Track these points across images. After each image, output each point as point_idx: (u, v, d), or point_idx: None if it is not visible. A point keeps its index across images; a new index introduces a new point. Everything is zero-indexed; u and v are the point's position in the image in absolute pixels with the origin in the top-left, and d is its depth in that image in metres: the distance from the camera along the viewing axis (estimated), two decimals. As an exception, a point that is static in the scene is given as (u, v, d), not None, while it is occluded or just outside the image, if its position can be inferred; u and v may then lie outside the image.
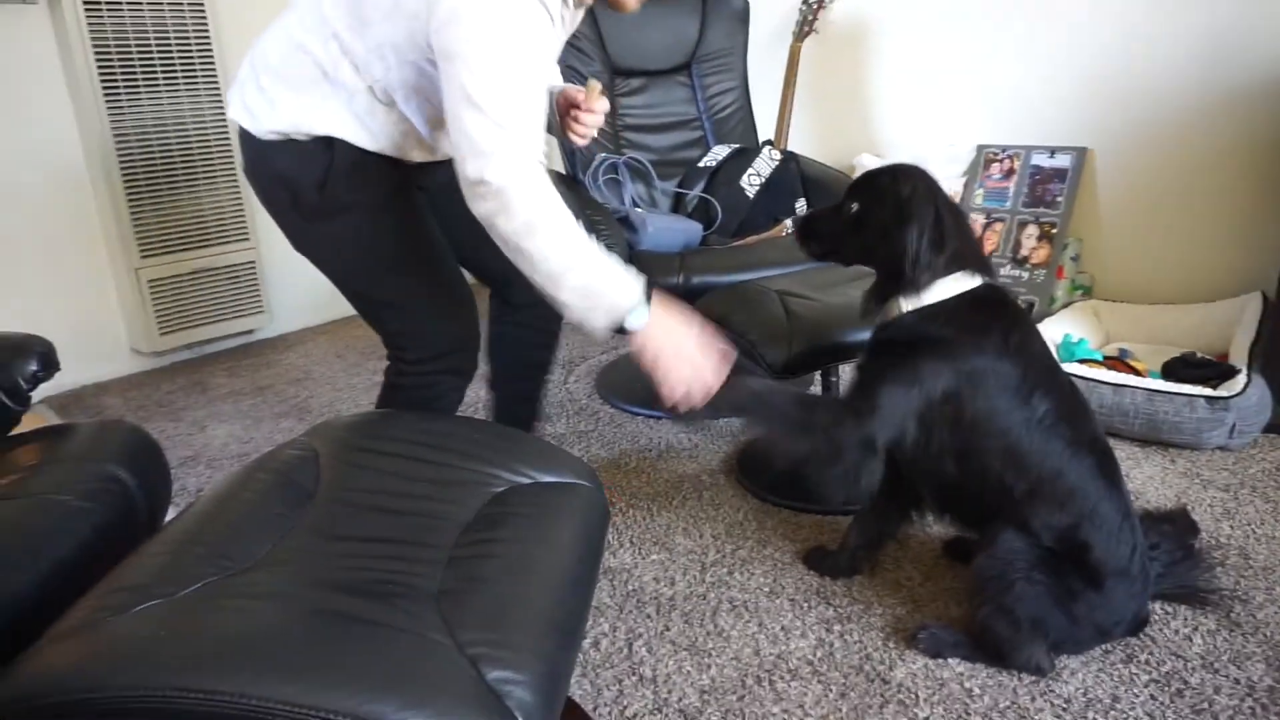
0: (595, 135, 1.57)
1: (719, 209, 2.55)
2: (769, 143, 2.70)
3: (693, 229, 2.46)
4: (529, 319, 1.75)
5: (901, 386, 1.33)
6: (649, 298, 1.28)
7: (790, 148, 2.89)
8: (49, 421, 2.56)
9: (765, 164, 2.60)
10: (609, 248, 2.10)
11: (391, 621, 0.89)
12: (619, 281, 1.27)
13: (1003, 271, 2.71)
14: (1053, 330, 2.40)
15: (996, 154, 2.82)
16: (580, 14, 1.45)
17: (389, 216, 1.48)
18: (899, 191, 1.36)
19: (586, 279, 1.25)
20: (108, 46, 2.63)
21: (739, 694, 1.34)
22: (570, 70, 2.54)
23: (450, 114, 1.23)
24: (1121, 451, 2.02)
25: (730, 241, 2.46)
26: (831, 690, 1.34)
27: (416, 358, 1.53)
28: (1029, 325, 1.37)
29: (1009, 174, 2.78)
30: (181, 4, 2.74)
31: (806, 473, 1.81)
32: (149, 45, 2.71)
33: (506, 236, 1.24)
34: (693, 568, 1.67)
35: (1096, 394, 2.06)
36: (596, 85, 1.48)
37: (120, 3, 2.63)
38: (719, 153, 2.63)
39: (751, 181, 2.57)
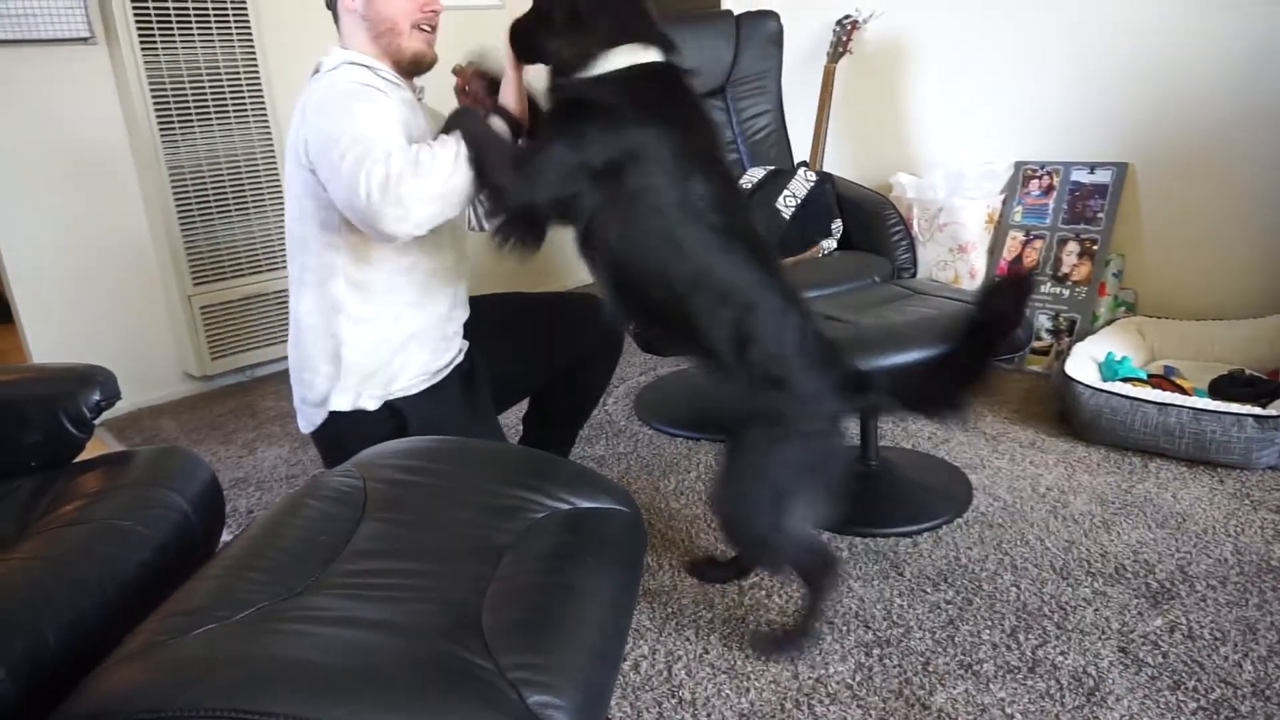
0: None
1: (755, 230, 2.56)
2: (804, 164, 2.72)
3: (729, 251, 2.48)
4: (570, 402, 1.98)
5: (564, 149, 1.31)
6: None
7: (825, 168, 2.90)
8: (108, 443, 2.66)
9: (801, 185, 2.61)
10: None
11: (436, 645, 0.92)
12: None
13: (1043, 289, 2.69)
14: (1096, 348, 2.37)
15: (1035, 170, 2.80)
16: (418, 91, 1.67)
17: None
18: None
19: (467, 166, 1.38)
20: (162, 82, 2.73)
21: (778, 718, 1.35)
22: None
23: (335, 196, 1.41)
24: (1168, 472, 1.99)
25: (766, 263, 2.47)
26: (871, 715, 1.34)
27: None
28: (695, 103, 1.36)
29: (1048, 190, 2.76)
30: (232, 40, 2.84)
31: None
32: (201, 80, 2.81)
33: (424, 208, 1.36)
34: (731, 590, 1.68)
35: (1141, 413, 2.04)
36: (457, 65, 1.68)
37: (174, 40, 2.74)
38: (755, 175, 2.65)
39: (787, 203, 2.58)
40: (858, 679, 1.42)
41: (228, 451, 2.54)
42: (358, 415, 1.60)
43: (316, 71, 1.57)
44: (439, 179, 1.34)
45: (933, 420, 1.40)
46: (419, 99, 1.67)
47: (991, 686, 1.38)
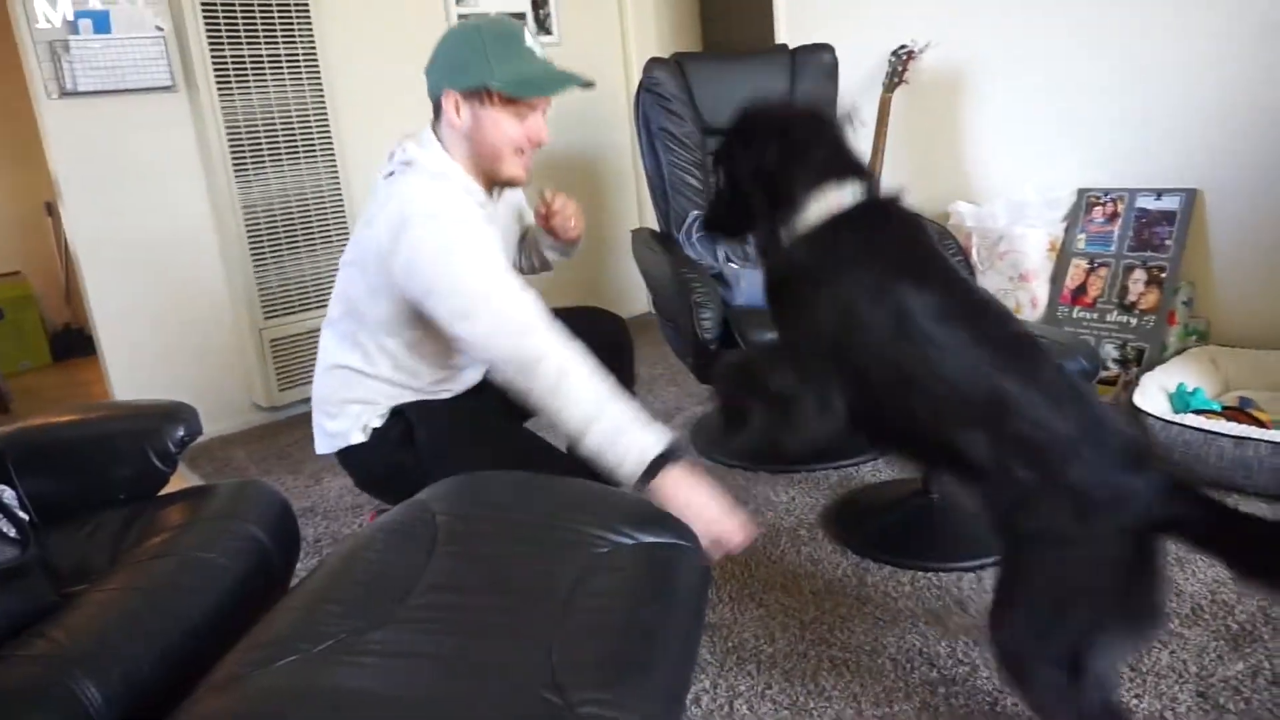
0: (577, 223, 1.81)
1: (811, 261, 2.56)
2: (861, 194, 2.71)
3: (786, 282, 2.48)
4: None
5: (809, 336, 1.21)
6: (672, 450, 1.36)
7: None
8: (182, 472, 2.76)
9: (857, 215, 2.61)
10: (704, 304, 2.17)
11: (507, 678, 0.94)
12: (645, 424, 1.37)
13: (1109, 318, 2.64)
14: (1166, 379, 2.32)
15: (1099, 197, 2.76)
16: (503, 201, 1.71)
17: (469, 445, 1.64)
18: (741, 122, 1.30)
19: (615, 420, 1.37)
20: (238, 125, 2.86)
21: (843, 757, 1.34)
22: (664, 132, 2.63)
23: (451, 335, 1.48)
24: (1246, 508, 1.91)
25: (824, 294, 2.47)
26: (939, 756, 1.32)
27: None
28: (910, 231, 1.23)
29: (1112, 217, 2.72)
30: (303, 84, 2.96)
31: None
32: (274, 123, 2.93)
33: (542, 393, 1.41)
34: (792, 624, 1.67)
35: (1216, 447, 1.98)
36: (547, 191, 1.77)
37: (249, 85, 2.86)
38: (810, 206, 2.66)
39: (844, 233, 2.58)
40: (923, 718, 1.40)
41: (295, 481, 2.61)
42: (371, 437, 1.66)
43: (395, 159, 1.55)
44: (582, 398, 1.39)
45: (1239, 577, 1.16)
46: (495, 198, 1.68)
47: (1063, 730, 1.35)
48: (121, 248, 2.80)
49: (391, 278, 1.50)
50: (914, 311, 1.14)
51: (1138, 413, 2.12)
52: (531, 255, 1.95)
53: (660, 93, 2.60)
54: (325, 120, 3.03)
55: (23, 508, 1.46)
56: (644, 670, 1.01)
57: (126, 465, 1.44)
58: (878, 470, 2.30)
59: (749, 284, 2.37)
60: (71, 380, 4.28)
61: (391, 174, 1.55)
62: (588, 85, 1.52)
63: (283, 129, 2.95)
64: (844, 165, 1.25)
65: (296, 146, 2.99)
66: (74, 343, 4.61)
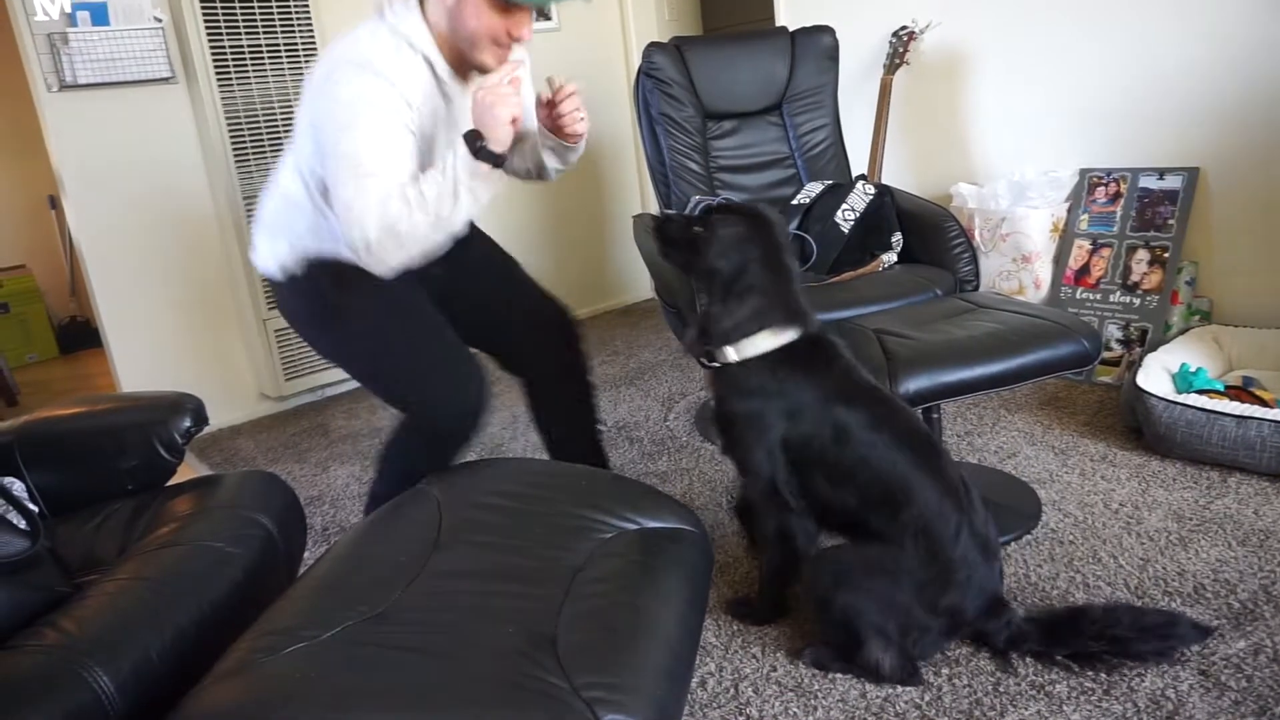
0: (584, 117, 1.67)
1: (814, 245, 2.56)
2: (862, 177, 2.71)
3: (788, 267, 2.48)
4: (555, 390, 1.91)
5: (755, 440, 1.48)
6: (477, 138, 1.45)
7: (884, 180, 2.88)
8: (190, 462, 2.77)
9: (859, 199, 2.60)
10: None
11: (512, 665, 0.95)
12: (454, 165, 1.45)
13: (1112, 298, 2.63)
14: (1169, 359, 2.31)
15: (1101, 177, 2.74)
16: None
17: (386, 315, 1.62)
18: (716, 235, 1.48)
19: (468, 199, 1.46)
20: (238, 116, 2.86)
21: (847, 737, 1.35)
22: (664, 116, 2.62)
23: (329, 181, 1.47)
24: (1249, 487, 1.93)
25: (827, 278, 2.47)
26: (942, 736, 1.33)
27: (418, 424, 1.67)
28: (831, 359, 1.49)
29: (1115, 197, 2.70)
30: (302, 75, 2.96)
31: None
32: (274, 113, 2.93)
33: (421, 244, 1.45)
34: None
35: (1219, 427, 1.98)
36: (555, 77, 1.64)
37: (248, 76, 2.86)
38: (812, 189, 2.66)
39: (846, 217, 2.58)
40: (926, 699, 1.41)
41: (302, 470, 2.63)
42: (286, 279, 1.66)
43: (378, 4, 1.53)
44: (436, 217, 1.43)
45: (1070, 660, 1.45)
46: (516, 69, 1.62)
47: (1065, 708, 1.36)
48: (125, 239, 2.81)
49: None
50: (850, 424, 1.44)
51: (1141, 393, 2.13)
52: (527, 159, 1.78)
53: (660, 77, 2.59)
54: (325, 109, 3.02)
55: (32, 500, 1.48)
56: (647, 654, 1.02)
57: (134, 456, 1.45)
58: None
59: (751, 269, 2.37)
60: (78, 373, 4.30)
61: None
62: None
63: (283, 119, 2.95)
64: (793, 312, 1.49)
65: (297, 136, 2.99)
66: (80, 335, 4.64)
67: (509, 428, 2.78)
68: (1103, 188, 2.74)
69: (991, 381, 1.72)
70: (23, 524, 1.35)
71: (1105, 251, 2.70)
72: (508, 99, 1.45)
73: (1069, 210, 2.79)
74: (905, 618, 1.41)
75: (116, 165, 2.76)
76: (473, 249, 1.76)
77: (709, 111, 2.67)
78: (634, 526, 1.27)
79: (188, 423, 1.47)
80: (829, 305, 2.19)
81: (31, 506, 1.42)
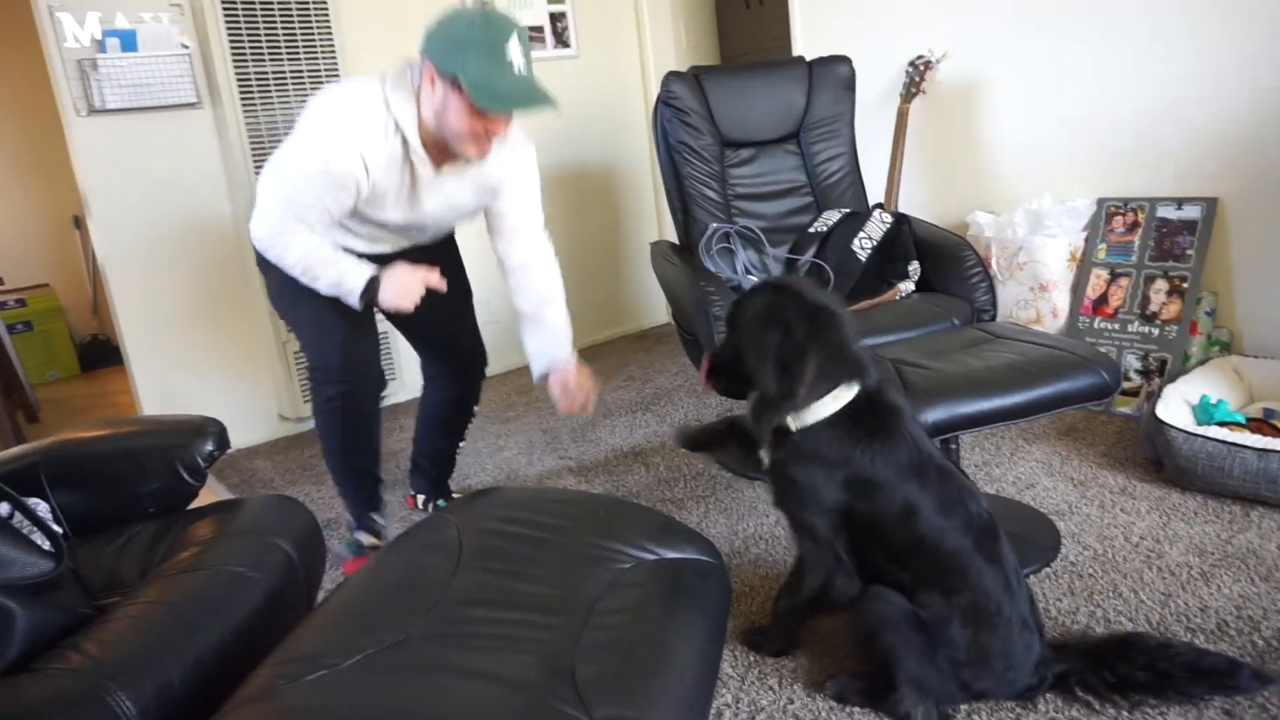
0: (586, 405, 1.99)
1: (831, 274, 2.57)
2: (879, 206, 2.72)
3: (804, 294, 2.49)
4: (446, 401, 2.30)
5: (815, 507, 1.45)
6: (378, 274, 1.79)
7: (901, 208, 2.90)
8: (209, 483, 2.79)
9: (877, 227, 2.61)
10: (722, 318, 2.17)
11: (531, 695, 0.95)
12: (351, 274, 1.79)
13: (1131, 328, 2.62)
14: (1189, 390, 2.30)
15: (1119, 207, 2.74)
16: (473, 173, 1.85)
17: (311, 295, 1.88)
18: (747, 320, 1.45)
19: (330, 279, 1.79)
20: (261, 140, 2.90)
21: (865, 772, 1.34)
22: (683, 145, 2.64)
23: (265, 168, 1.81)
24: (1272, 521, 1.91)
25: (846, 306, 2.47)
26: (961, 772, 1.32)
27: (321, 381, 2.01)
28: (897, 426, 1.42)
29: (1133, 227, 2.70)
30: (326, 99, 3.00)
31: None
32: (297, 138, 2.97)
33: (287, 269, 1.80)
34: (814, 639, 1.67)
35: (1240, 459, 1.96)
36: (576, 375, 1.99)
37: (273, 101, 2.91)
38: (830, 218, 2.67)
39: (863, 245, 2.59)
40: (946, 734, 1.39)
41: (319, 492, 2.64)
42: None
43: (382, 71, 1.74)
44: (298, 269, 1.79)
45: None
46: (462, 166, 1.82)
47: (1087, 746, 1.34)
48: (148, 260, 2.85)
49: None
50: (920, 506, 1.39)
51: (1160, 425, 2.11)
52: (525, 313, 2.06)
53: (678, 106, 2.61)
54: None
55: (56, 520, 1.49)
56: (665, 686, 1.02)
57: (156, 479, 1.47)
58: (897, 482, 2.30)
59: (768, 296, 2.37)
60: (99, 390, 4.34)
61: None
62: (550, 106, 1.63)
63: (306, 144, 2.99)
64: (850, 367, 1.42)
65: (319, 161, 3.03)
66: (101, 353, 4.69)
67: (525, 454, 2.79)
68: (1120, 217, 2.74)
69: (1009, 413, 1.71)
70: (46, 545, 1.36)
71: (1123, 281, 2.69)
72: (411, 296, 1.78)
73: (1086, 239, 2.79)
74: (942, 682, 1.39)
75: (141, 187, 2.80)
76: (443, 268, 1.94)
77: (727, 140, 2.70)
78: (652, 557, 1.27)
79: (210, 446, 1.49)
80: (846, 333, 2.19)
81: (55, 528, 1.44)
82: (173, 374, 2.93)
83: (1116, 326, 2.67)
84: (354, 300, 1.80)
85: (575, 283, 3.86)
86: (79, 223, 4.62)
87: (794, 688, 1.54)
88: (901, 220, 2.63)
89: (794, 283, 1.49)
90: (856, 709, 1.47)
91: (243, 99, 2.85)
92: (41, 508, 1.48)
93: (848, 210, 2.68)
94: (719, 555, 1.31)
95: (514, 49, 1.59)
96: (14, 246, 4.67)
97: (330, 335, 1.93)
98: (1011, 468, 2.31)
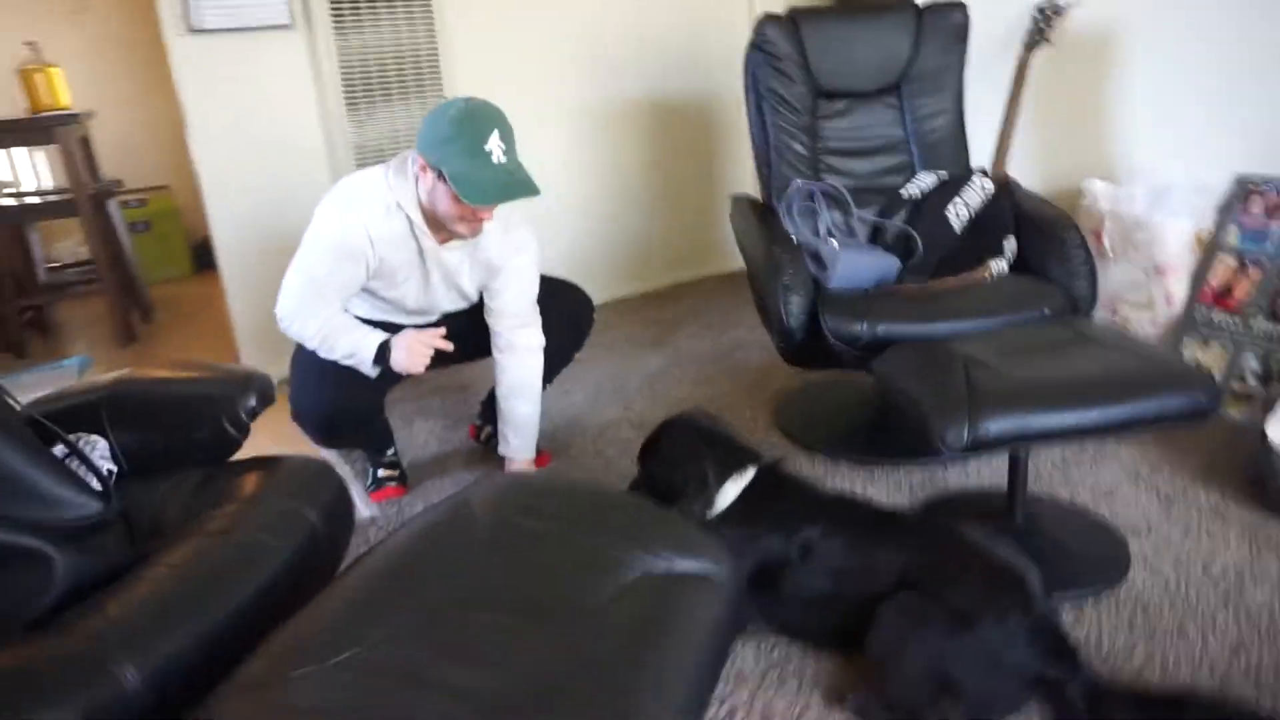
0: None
1: (920, 242, 2.41)
2: (982, 170, 2.51)
3: (887, 264, 2.34)
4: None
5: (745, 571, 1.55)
6: (389, 340, 1.91)
7: (1010, 169, 2.66)
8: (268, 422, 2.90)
9: (975, 194, 2.42)
10: (793, 289, 2.06)
11: (493, 706, 0.95)
12: (364, 343, 1.91)
13: (1255, 325, 2.36)
14: (1309, 403, 2.07)
15: (1259, 187, 2.45)
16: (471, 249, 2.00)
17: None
18: (664, 448, 1.76)
19: (346, 347, 1.92)
20: (351, 64, 2.90)
21: (869, 800, 1.30)
22: (771, 93, 2.49)
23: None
24: (1378, 566, 1.72)
25: (927, 279, 2.32)
26: (970, 815, 1.27)
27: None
28: (798, 485, 1.69)
29: (1274, 211, 2.41)
30: (415, 23, 2.96)
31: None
32: (386, 63, 2.95)
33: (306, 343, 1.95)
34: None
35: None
36: None
37: (364, 25, 2.88)
38: (924, 181, 2.48)
39: (959, 213, 2.40)
40: (963, 769, 1.34)
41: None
42: None
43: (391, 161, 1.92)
44: (315, 342, 1.92)
45: None
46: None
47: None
48: (239, 177, 2.91)
49: None
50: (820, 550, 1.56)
51: (1269, 448, 1.91)
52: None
53: (770, 51, 2.45)
54: (436, 60, 3.03)
55: (113, 458, 1.57)
56: (643, 711, 1.00)
57: (203, 428, 1.51)
58: (966, 473, 2.18)
59: (846, 265, 2.24)
60: (208, 293, 4.54)
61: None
62: (531, 193, 1.78)
63: (394, 68, 2.97)
64: (741, 456, 1.70)
65: (408, 86, 3.01)
66: (212, 256, 4.89)
67: (590, 401, 2.77)
68: (1260, 198, 2.45)
69: (1083, 432, 1.59)
70: (96, 485, 1.44)
71: (1254, 272, 2.42)
72: (421, 358, 1.90)
73: (1217, 221, 2.51)
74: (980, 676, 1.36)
75: (235, 108, 2.85)
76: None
77: (821, 90, 2.52)
78: (663, 568, 1.23)
79: (253, 402, 1.52)
80: (921, 316, 2.06)
81: (109, 468, 1.51)
82: (258, 285, 3.01)
83: (1238, 322, 2.42)
84: (368, 367, 1.92)
85: (664, 216, 3.78)
86: (194, 128, 4.76)
87: (813, 694, 1.51)
88: (1003, 189, 2.42)
89: (689, 418, 1.81)
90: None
91: (334, 23, 2.83)
92: (100, 445, 1.55)
93: (945, 174, 2.49)
94: (733, 572, 1.27)
95: (493, 143, 1.75)
96: (137, 149, 4.87)
97: (316, 375, 1.99)
98: (1092, 470, 2.16)
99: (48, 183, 4.53)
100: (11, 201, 3.89)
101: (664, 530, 1.30)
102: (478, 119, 1.77)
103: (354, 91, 2.93)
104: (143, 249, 4.66)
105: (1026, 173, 2.79)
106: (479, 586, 1.17)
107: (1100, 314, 2.46)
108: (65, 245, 4.57)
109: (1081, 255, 2.17)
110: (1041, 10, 2.76)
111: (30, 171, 4.59)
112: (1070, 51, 2.79)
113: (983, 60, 2.90)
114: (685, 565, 1.25)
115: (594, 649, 1.07)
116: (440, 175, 1.77)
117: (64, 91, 3.65)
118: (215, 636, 1.14)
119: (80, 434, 1.54)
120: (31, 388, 1.73)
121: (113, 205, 3.91)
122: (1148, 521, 1.93)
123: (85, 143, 3.74)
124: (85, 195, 3.50)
